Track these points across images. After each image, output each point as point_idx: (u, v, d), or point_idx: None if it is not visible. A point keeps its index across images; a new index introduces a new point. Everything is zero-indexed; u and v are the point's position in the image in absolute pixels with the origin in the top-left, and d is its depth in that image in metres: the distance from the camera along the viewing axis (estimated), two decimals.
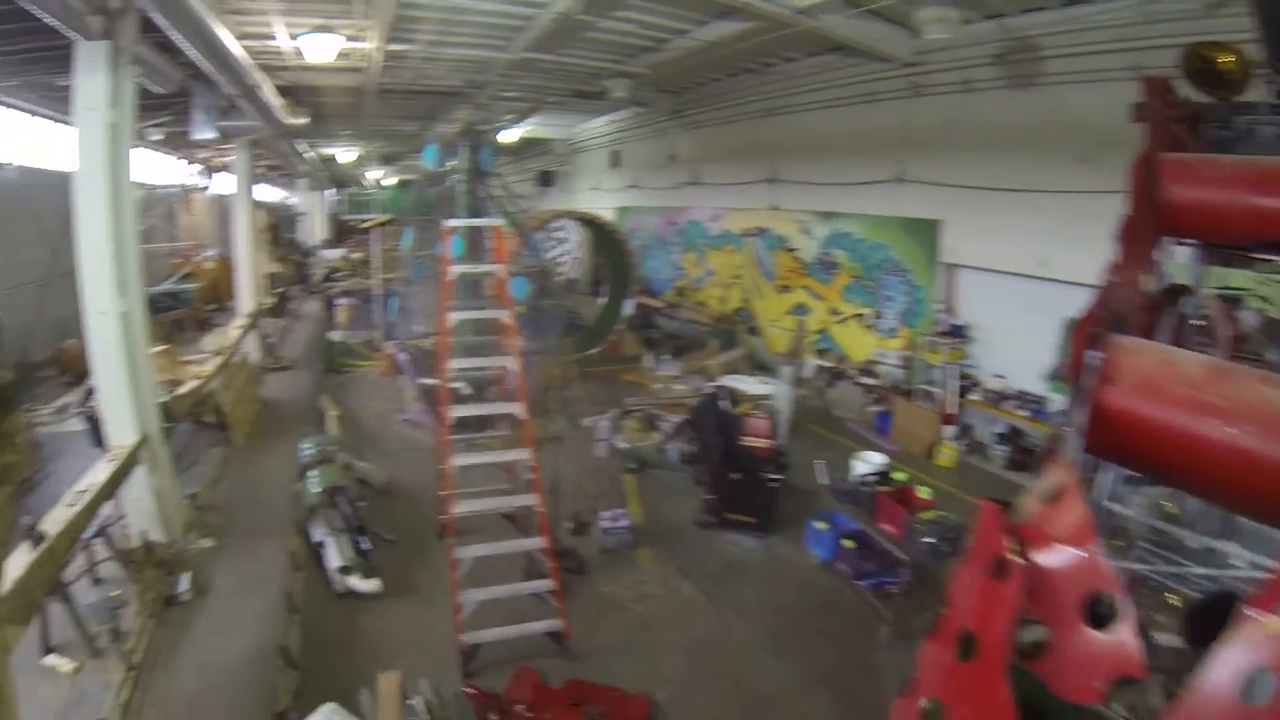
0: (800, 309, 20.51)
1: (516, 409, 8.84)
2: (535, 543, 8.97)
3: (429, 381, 15.15)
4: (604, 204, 31.02)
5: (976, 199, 15.00)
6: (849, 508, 10.46)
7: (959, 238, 15.81)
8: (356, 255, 40.90)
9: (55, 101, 18.38)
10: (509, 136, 28.59)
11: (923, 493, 9.94)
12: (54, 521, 7.37)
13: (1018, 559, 2.47)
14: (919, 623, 9.04)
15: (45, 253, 19.57)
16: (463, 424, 9.39)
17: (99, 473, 8.54)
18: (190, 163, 33.71)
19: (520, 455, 9.16)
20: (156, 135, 23.42)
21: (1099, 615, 2.30)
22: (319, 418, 16.04)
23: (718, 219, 24.47)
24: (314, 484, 10.89)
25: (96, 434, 10.49)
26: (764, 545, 11.54)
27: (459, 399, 14.41)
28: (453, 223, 9.01)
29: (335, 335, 23.93)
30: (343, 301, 26.42)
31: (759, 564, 11.11)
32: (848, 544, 10.30)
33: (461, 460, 8.98)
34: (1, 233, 18.45)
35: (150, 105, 19.06)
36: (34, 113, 19.54)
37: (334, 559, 9.93)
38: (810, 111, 19.03)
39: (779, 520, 11.80)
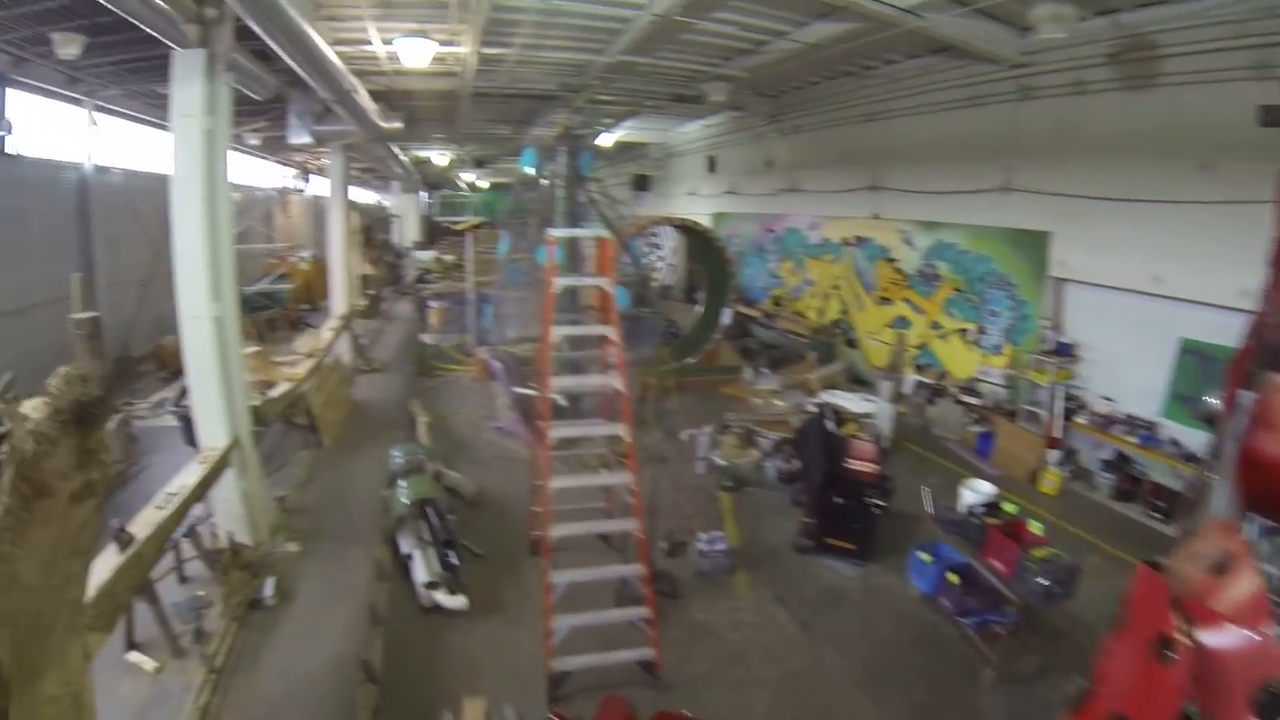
0: (900, 322, 19.82)
1: (620, 430, 8.51)
2: (632, 569, 8.66)
3: (523, 390, 15.06)
4: (700, 210, 30.54)
5: (1088, 210, 14.19)
6: (955, 539, 9.92)
7: (1068, 250, 15.01)
8: (449, 257, 41.41)
9: (157, 109, 19.00)
10: (605, 141, 28.44)
11: (1035, 528, 9.34)
12: (143, 524, 7.40)
13: (1186, 640, 2.16)
14: (1025, 666, 8.63)
15: (147, 253, 20.68)
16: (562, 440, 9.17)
17: (189, 475, 8.59)
18: (286, 166, 34.48)
19: (621, 479, 8.80)
20: (254, 140, 24.03)
21: (1268, 706, 1.99)
22: (409, 422, 16.04)
23: (817, 227, 23.82)
24: (404, 494, 10.71)
25: (189, 432, 10.60)
26: (863, 573, 11.07)
27: (556, 412, 14.37)
28: (557, 233, 8.73)
29: (427, 338, 24.05)
30: (435, 304, 26.59)
31: (857, 593, 10.66)
32: (952, 578, 9.82)
33: (561, 483, 8.63)
34: (107, 234, 19.06)
35: (248, 111, 19.67)
36: (137, 119, 20.21)
37: (421, 573, 9.74)
38: (913, 116, 18.38)
39: (879, 547, 11.33)
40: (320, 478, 12.87)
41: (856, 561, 11.20)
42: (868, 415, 13.72)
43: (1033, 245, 15.66)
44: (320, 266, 29.86)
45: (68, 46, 12.76)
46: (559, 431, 8.90)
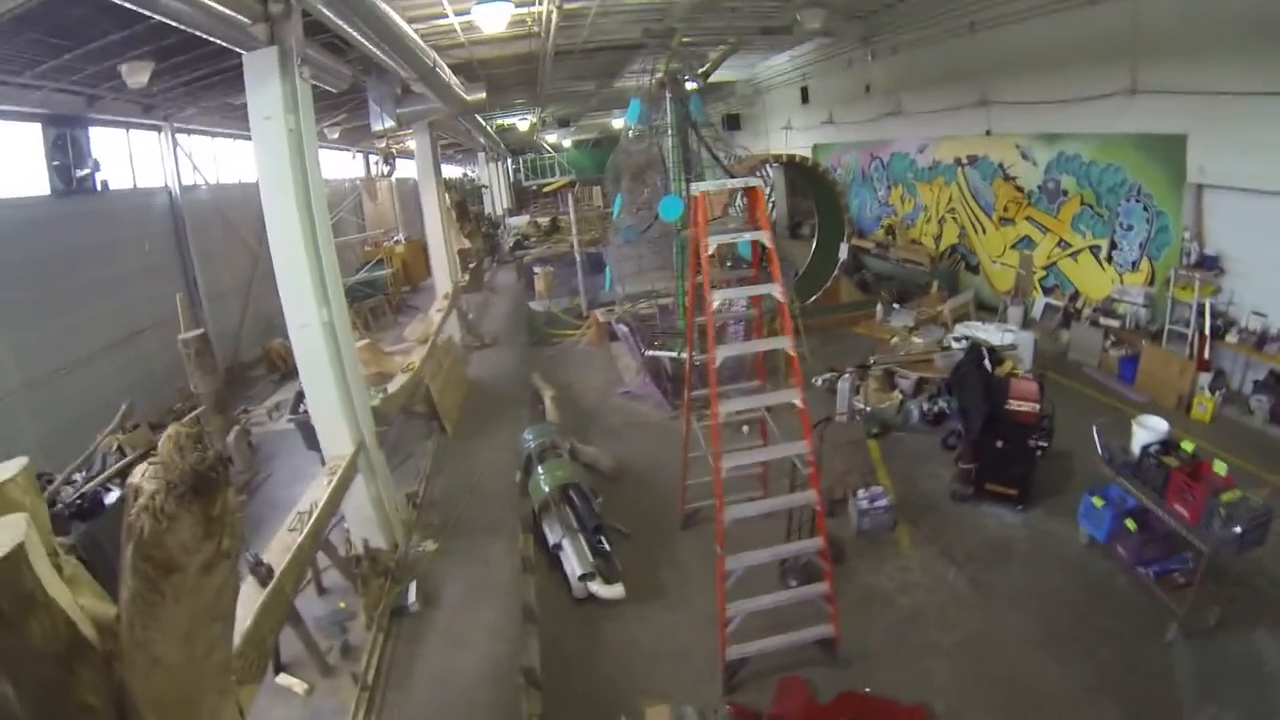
0: (1025, 242, 18.59)
1: (795, 397, 7.57)
2: (812, 545, 7.97)
3: (653, 352, 14.53)
4: (797, 143, 29.47)
5: (1230, 106, 12.71)
6: (1130, 483, 9.10)
7: (1209, 154, 13.52)
8: (543, 220, 41.20)
9: (234, 120, 19.15)
10: (690, 84, 27.60)
11: (1218, 468, 8.46)
12: (278, 550, 7.14)
13: None
14: (1209, 618, 7.83)
15: (244, 259, 21.10)
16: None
17: (318, 489, 8.33)
18: (369, 154, 34.54)
19: (796, 449, 7.85)
20: (333, 134, 23.91)
21: None
22: (533, 398, 15.64)
23: (925, 150, 22.51)
24: (544, 480, 10.23)
25: (309, 437, 10.39)
26: (1025, 520, 10.30)
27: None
28: (704, 186, 7.77)
29: (535, 305, 23.65)
30: (540, 270, 26.20)
31: (1023, 543, 9.88)
32: (1129, 525, 9.00)
33: (733, 461, 7.82)
34: (202, 249, 19.26)
35: (324, 106, 19.42)
36: (215, 133, 20.38)
37: (574, 564, 9.14)
38: (1021, 22, 16.92)
39: (1038, 490, 10.55)
40: (448, 468, 12.65)
41: (1018, 507, 10.45)
42: (1011, 347, 12.80)
43: (1167, 150, 14.28)
44: (415, 248, 30.03)
45: (136, 75, 12.57)
46: (731, 405, 8.24)
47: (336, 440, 9.11)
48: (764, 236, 7.28)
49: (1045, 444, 10.33)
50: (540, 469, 10.43)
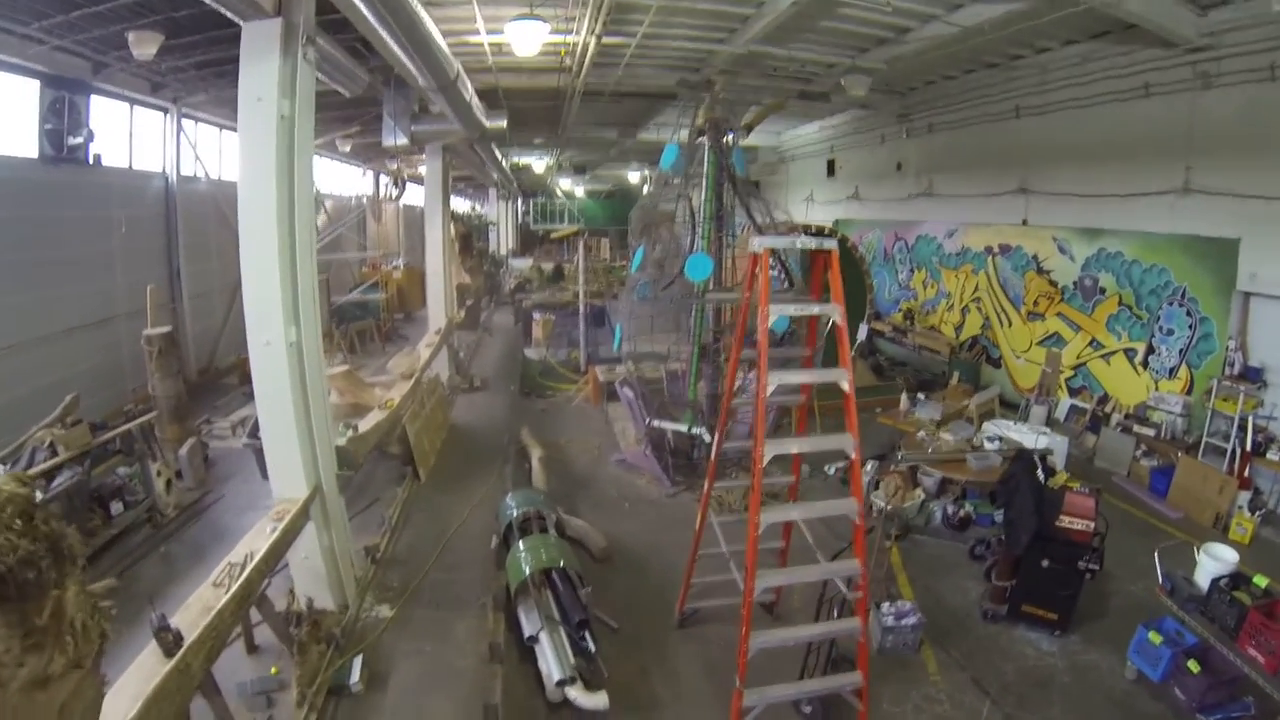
0: (1054, 340, 17.67)
1: (851, 509, 6.36)
2: (850, 681, 6.65)
3: (661, 423, 13.23)
4: (818, 216, 28.58)
5: None
6: (1197, 620, 7.93)
7: (1263, 261, 12.75)
8: (546, 265, 40.38)
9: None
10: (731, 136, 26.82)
11: None
12: (195, 610, 5.86)
13: None
14: None
15: (235, 262, 19.75)
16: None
17: (259, 538, 7.05)
18: (380, 174, 33.83)
19: (847, 569, 6.63)
20: (345, 147, 23.02)
21: None
22: (518, 454, 14.33)
23: (954, 234, 21.66)
24: (525, 560, 8.80)
25: (264, 465, 9.10)
26: (1064, 648, 9.08)
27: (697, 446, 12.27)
28: (766, 242, 6.33)
29: (531, 353, 22.46)
30: (539, 316, 25.04)
31: (1063, 675, 8.64)
32: (1192, 666, 7.82)
33: (771, 580, 6.72)
34: (192, 242, 18.52)
35: (338, 116, 19.02)
36: (223, 125, 19.61)
37: (553, 666, 7.67)
38: (1068, 110, 16.26)
39: (1077, 615, 9.37)
40: (416, 520, 11.32)
41: (1056, 632, 9.31)
42: (1047, 451, 11.64)
43: (1218, 255, 13.49)
44: (413, 274, 29.18)
45: (144, 46, 11.76)
46: (774, 515, 6.67)
47: (289, 481, 7.83)
48: (835, 312, 6.10)
49: (1096, 567, 9.21)
50: (522, 545, 9.03)
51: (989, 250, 19.94)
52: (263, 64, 6.87)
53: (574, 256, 44.99)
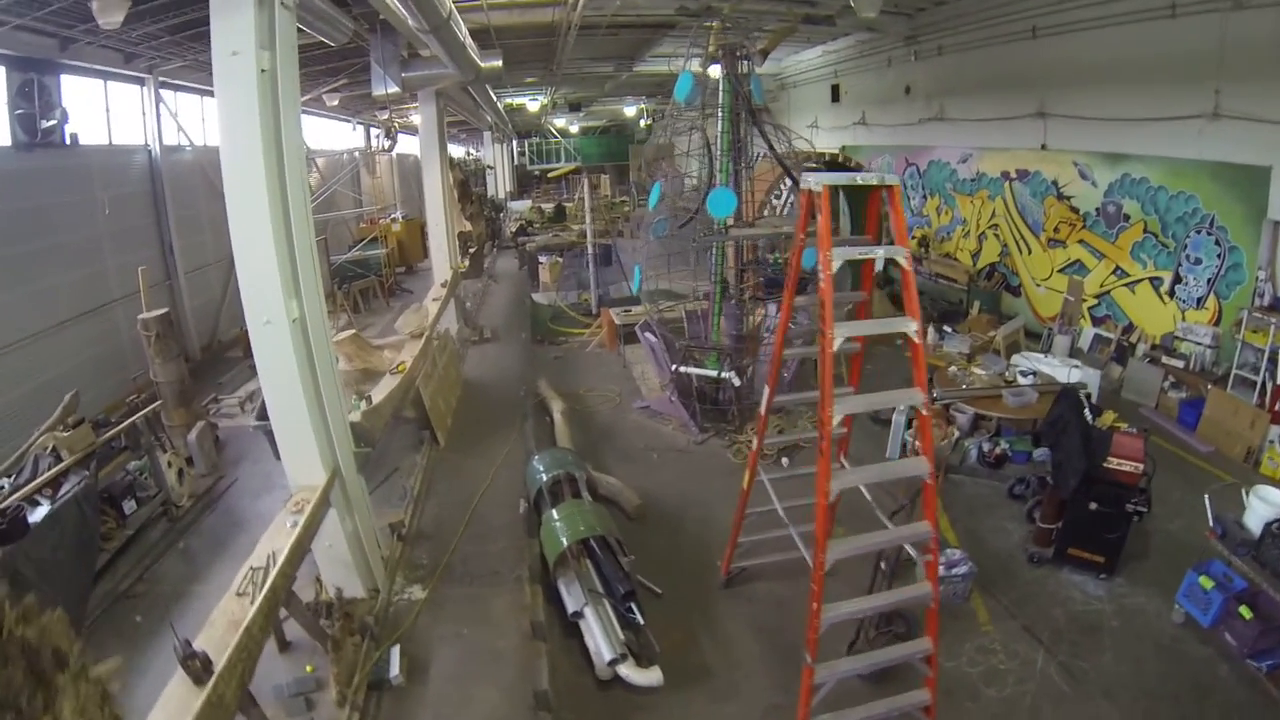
0: (1076, 267, 17.05)
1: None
2: (919, 647, 6.14)
3: (687, 369, 12.67)
4: (823, 144, 27.14)
5: None
6: (1248, 564, 7.48)
7: None
8: (546, 205, 39.69)
9: None
10: (716, 73, 25.91)
11: None
12: (220, 626, 5.36)
13: None
14: None
15: (227, 230, 19.22)
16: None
17: (279, 535, 6.52)
18: (370, 127, 33.08)
19: (918, 532, 5.99)
20: (332, 101, 22.24)
21: None
22: (536, 408, 13.79)
23: (969, 160, 20.82)
24: (561, 530, 8.28)
25: (275, 447, 8.57)
26: (1110, 592, 8.70)
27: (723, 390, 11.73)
28: (821, 178, 5.56)
29: (540, 297, 21.79)
30: (545, 259, 24.33)
31: (1112, 620, 8.29)
32: (1244, 613, 7.38)
33: (842, 551, 5.73)
34: (182, 215, 17.94)
35: (322, 71, 18.32)
36: (204, 91, 18.89)
37: (601, 644, 7.27)
38: (1090, 30, 15.33)
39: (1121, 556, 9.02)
40: (440, 489, 10.81)
41: (1101, 575, 8.94)
42: (1080, 385, 11.09)
43: (1248, 182, 12.86)
44: (412, 226, 28.61)
45: (110, 13, 10.80)
46: (847, 480, 6.00)
47: (305, 468, 7.26)
48: (901, 254, 5.48)
49: (1144, 509, 8.76)
50: (555, 514, 8.47)
51: (1006, 175, 19.23)
52: (237, 14, 6.14)
53: (573, 195, 44.42)
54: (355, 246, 25.71)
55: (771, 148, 11.76)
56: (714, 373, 12.49)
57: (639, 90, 37.47)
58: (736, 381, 12.06)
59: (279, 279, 6.50)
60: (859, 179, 5.92)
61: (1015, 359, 13.29)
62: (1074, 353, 15.41)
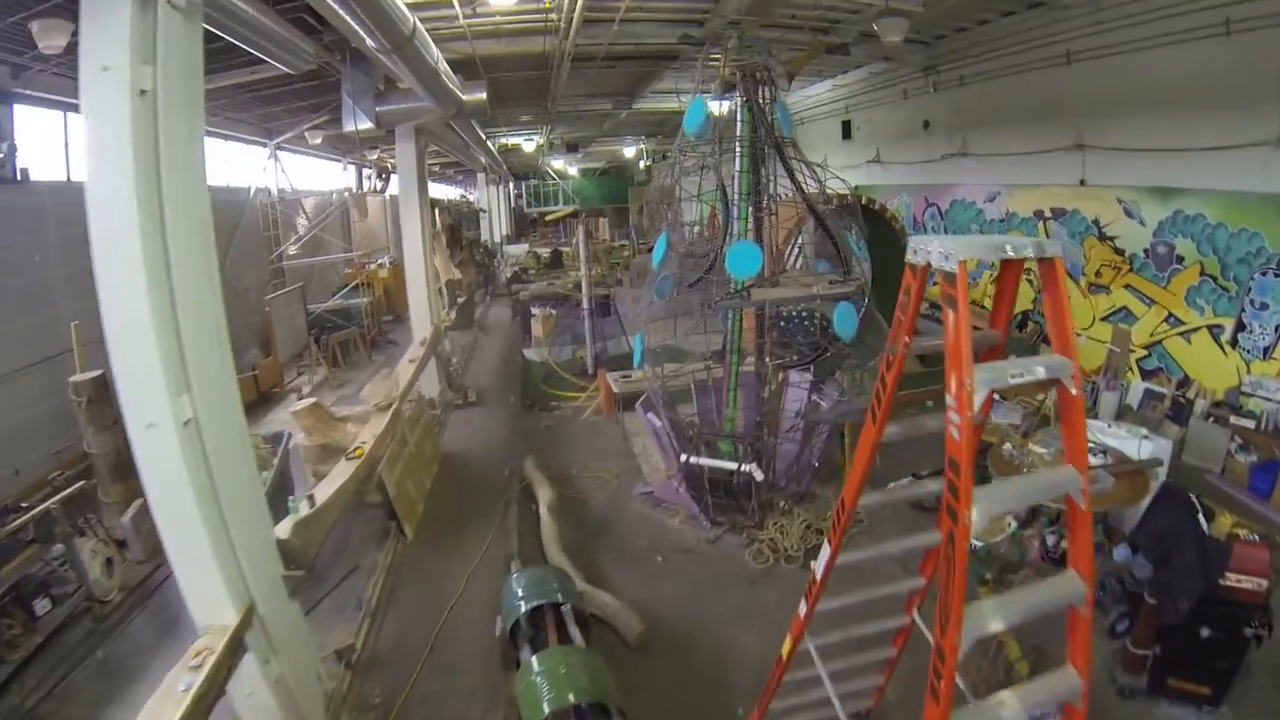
0: (1122, 315, 15.47)
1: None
2: None
3: (698, 460, 10.84)
4: (833, 184, 26.14)
5: None
6: None
7: None
8: (543, 251, 38.56)
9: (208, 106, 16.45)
10: (721, 109, 24.63)
11: None
12: None
13: None
14: None
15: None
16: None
17: (165, 707, 4.81)
18: (362, 167, 32.07)
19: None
20: (316, 139, 21.05)
21: None
22: (523, 493, 11.88)
23: (996, 199, 19.32)
24: (544, 692, 6.16)
25: None
26: None
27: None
28: (951, 246, 3.77)
29: (532, 354, 20.14)
30: (538, 311, 22.74)
31: None
32: None
33: None
34: None
35: (304, 106, 18.03)
36: None
37: None
38: (1132, 53, 13.92)
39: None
40: (403, 597, 9.09)
41: (1205, 707, 7.25)
42: (1155, 462, 9.45)
43: None
44: (402, 272, 26.86)
45: (51, 36, 9.70)
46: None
47: (209, 606, 5.56)
48: (1066, 370, 3.70)
49: (1265, 633, 7.05)
50: (536, 664, 6.47)
51: (1039, 215, 17.66)
52: (108, 16, 4.56)
53: (571, 239, 43.12)
54: (337, 294, 24.23)
55: (800, 190, 10.12)
56: (732, 465, 10.70)
57: (639, 130, 36.38)
58: (759, 476, 10.29)
59: (161, 369, 4.83)
60: (1008, 250, 3.94)
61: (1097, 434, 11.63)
62: (1122, 411, 13.89)
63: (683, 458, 10.73)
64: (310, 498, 7.49)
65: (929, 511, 10.61)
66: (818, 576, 5.14)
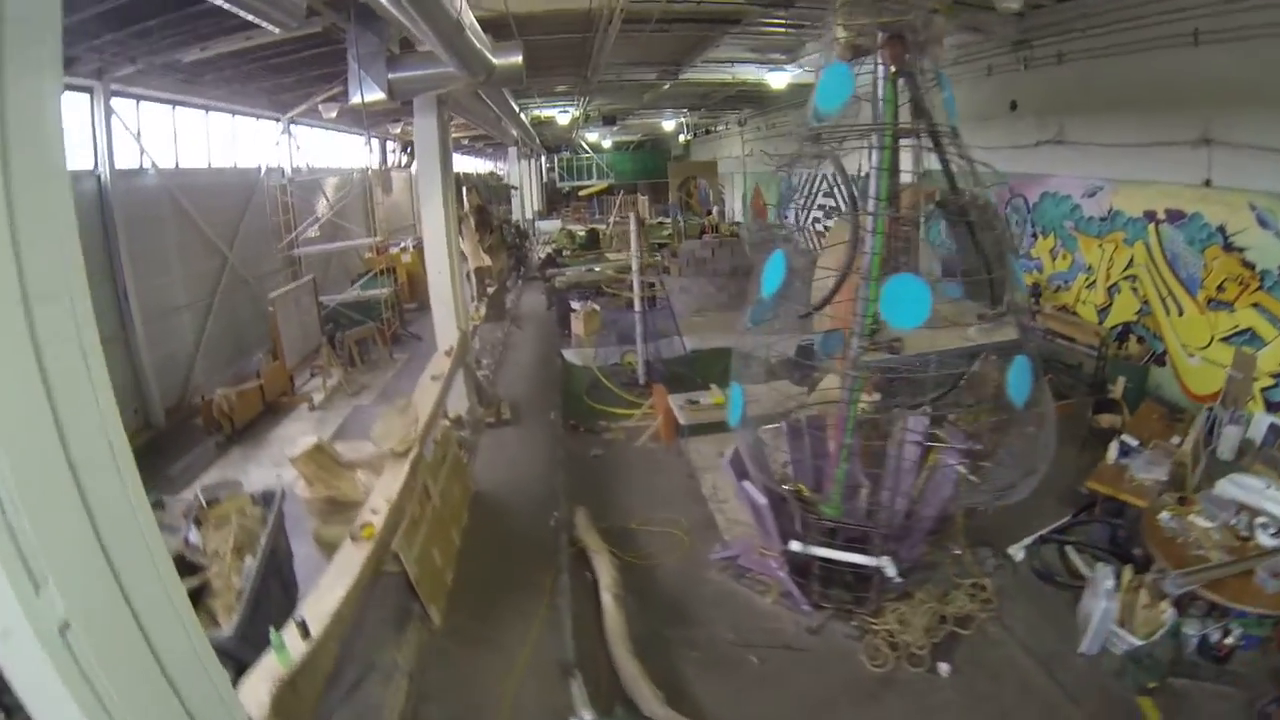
0: (1246, 336, 13.37)
1: None
2: None
3: (820, 552, 8.42)
4: (904, 168, 23.91)
5: None
6: None
7: None
8: (577, 228, 37.02)
9: (192, 85, 16.07)
10: (777, 82, 22.33)
11: None
12: None
13: None
14: None
15: (209, 262, 17.89)
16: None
17: None
18: (386, 141, 30.99)
19: None
20: (330, 113, 19.62)
21: None
22: (574, 558, 9.58)
23: (1098, 195, 17.08)
24: None
25: None
26: None
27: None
28: None
29: (573, 356, 18.04)
30: (579, 305, 20.67)
31: None
32: None
33: None
34: (141, 252, 15.32)
35: (316, 76, 16.93)
36: (175, 102, 16.86)
37: None
38: (1272, 36, 11.73)
39: None
40: (429, 710, 7.00)
41: None
42: None
43: None
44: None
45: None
46: None
47: None
48: None
49: None
50: None
51: (1151, 216, 15.46)
52: None
53: (606, 215, 41.07)
54: (357, 282, 22.32)
55: (954, 187, 7.96)
56: (859, 559, 8.33)
57: (681, 102, 34.17)
58: (892, 572, 8.05)
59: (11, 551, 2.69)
60: None
61: (1222, 486, 9.37)
62: (1244, 446, 11.87)
63: (792, 545, 8.44)
64: (302, 624, 5.37)
65: (1057, 584, 8.98)
66: None
